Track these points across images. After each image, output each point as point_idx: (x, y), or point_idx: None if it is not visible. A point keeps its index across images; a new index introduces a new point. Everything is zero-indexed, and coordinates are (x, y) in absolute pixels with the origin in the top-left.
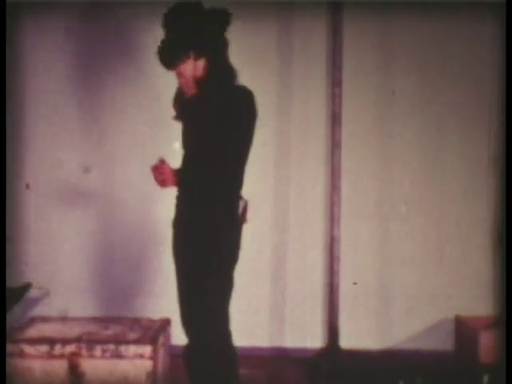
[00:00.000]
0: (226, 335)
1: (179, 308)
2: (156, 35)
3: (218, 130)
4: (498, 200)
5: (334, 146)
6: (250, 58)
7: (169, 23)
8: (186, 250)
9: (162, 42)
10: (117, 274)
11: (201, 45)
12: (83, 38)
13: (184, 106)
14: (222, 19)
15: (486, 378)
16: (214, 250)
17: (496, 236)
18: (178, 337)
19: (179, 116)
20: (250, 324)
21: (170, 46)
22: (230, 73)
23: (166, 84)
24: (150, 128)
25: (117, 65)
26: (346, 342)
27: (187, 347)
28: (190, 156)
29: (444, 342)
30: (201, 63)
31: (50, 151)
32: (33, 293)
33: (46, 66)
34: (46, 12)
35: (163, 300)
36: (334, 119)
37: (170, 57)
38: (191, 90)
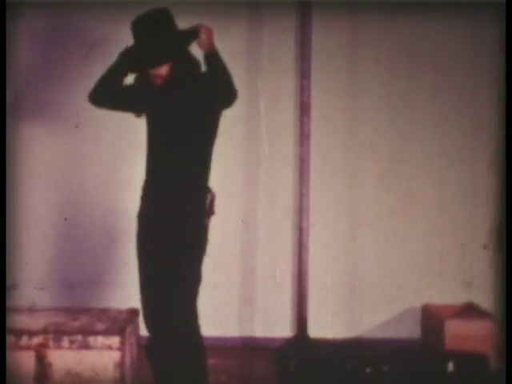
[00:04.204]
0: (194, 328)
1: (142, 302)
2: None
3: (185, 120)
4: (498, 200)
5: (303, 137)
6: (219, 49)
7: (141, 31)
8: (152, 242)
9: (136, 49)
10: (84, 265)
11: (174, 53)
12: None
13: (152, 98)
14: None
15: (450, 365)
16: (181, 242)
17: (496, 236)
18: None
19: (143, 111)
20: (219, 314)
21: (146, 54)
22: (195, 63)
23: None
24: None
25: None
26: (315, 331)
27: (152, 340)
28: (157, 147)
29: (411, 331)
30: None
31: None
32: None
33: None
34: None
35: (131, 291)
36: (303, 111)
37: (147, 63)
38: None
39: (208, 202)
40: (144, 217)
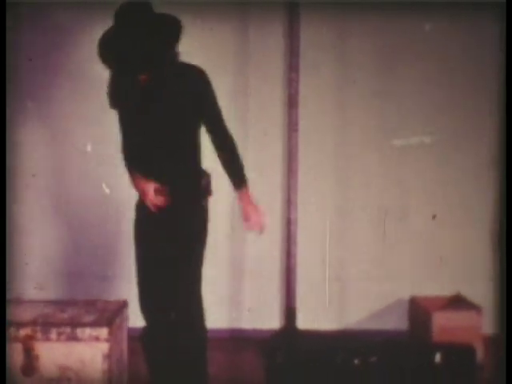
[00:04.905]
0: (197, 313)
1: (140, 290)
2: None
3: (171, 114)
4: (498, 199)
5: (291, 130)
6: (208, 43)
7: (122, 26)
8: (152, 229)
9: (118, 53)
10: (73, 257)
11: (157, 60)
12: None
13: (138, 95)
14: (174, 31)
15: (438, 357)
16: (181, 226)
17: (496, 236)
18: (135, 319)
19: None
20: (208, 306)
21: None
22: (175, 58)
23: None
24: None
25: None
26: (303, 322)
27: (149, 330)
28: (150, 135)
29: (399, 323)
30: None
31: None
32: None
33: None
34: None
35: (120, 282)
36: (291, 104)
37: (129, 71)
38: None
39: (204, 183)
40: (143, 204)
